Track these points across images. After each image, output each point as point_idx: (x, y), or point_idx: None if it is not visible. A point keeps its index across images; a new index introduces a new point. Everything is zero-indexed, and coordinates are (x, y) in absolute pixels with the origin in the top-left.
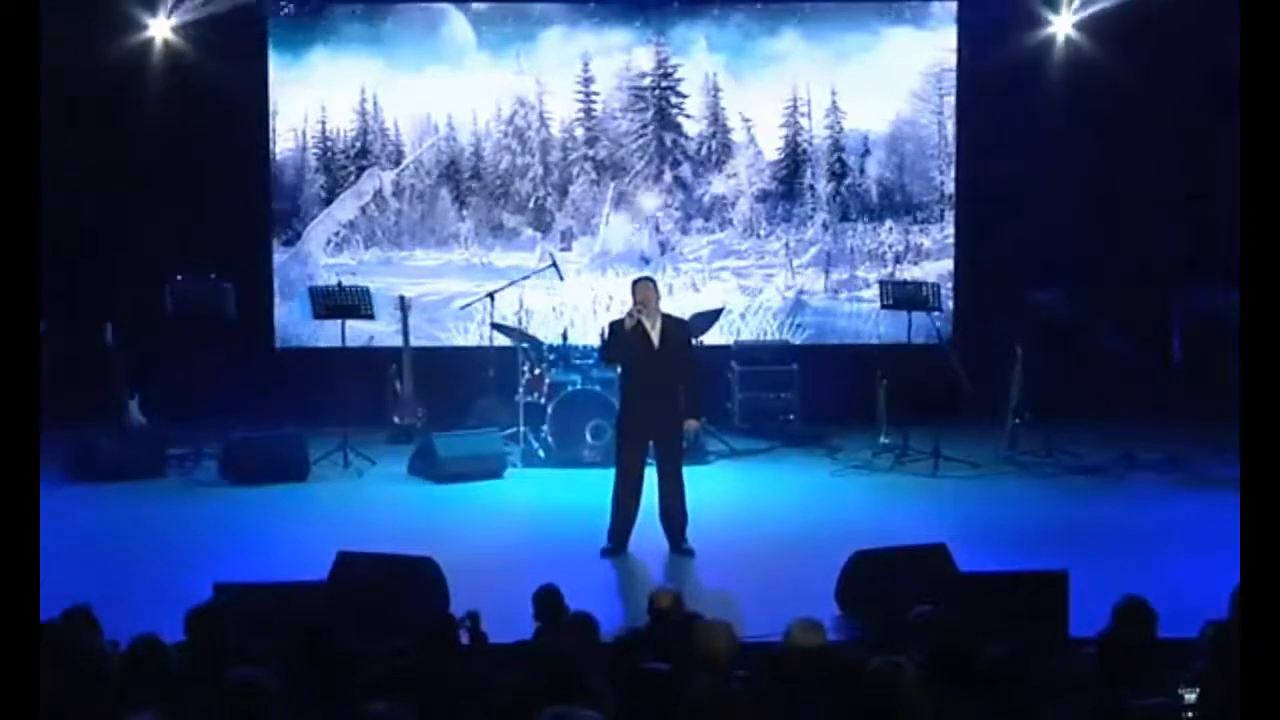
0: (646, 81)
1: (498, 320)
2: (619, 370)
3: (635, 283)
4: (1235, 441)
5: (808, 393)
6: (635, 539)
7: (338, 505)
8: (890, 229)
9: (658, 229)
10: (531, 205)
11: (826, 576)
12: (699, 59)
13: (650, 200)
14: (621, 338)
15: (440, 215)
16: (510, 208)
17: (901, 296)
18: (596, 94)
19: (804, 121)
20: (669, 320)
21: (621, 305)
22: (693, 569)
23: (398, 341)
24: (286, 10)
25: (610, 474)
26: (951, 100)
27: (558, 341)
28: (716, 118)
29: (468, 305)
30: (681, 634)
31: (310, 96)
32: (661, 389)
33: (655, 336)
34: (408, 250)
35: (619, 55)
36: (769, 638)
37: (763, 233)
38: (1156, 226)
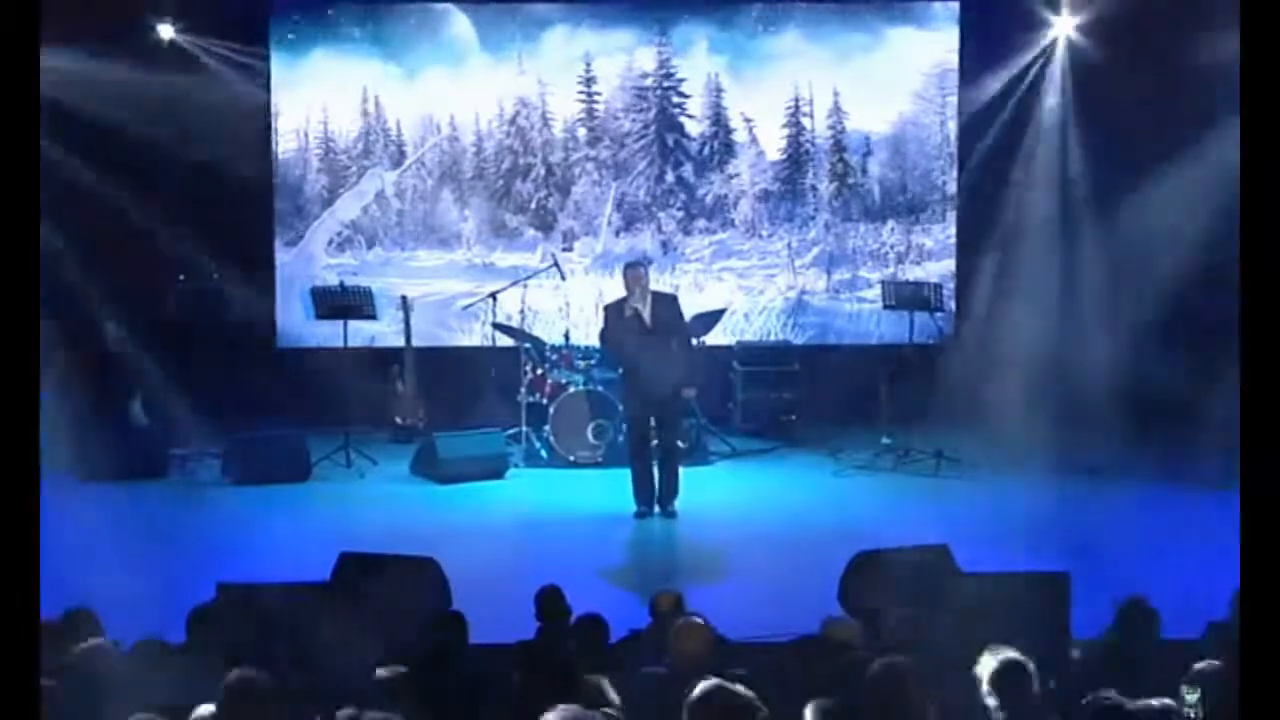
0: (649, 82)
1: (500, 320)
2: (618, 349)
3: (626, 268)
4: (1235, 442)
5: (810, 393)
6: (634, 542)
7: (340, 505)
8: (892, 229)
9: (660, 229)
10: (533, 206)
11: (828, 576)
12: (701, 59)
13: (652, 200)
14: (617, 322)
15: (442, 215)
16: (512, 208)
17: (903, 297)
18: (599, 94)
19: (806, 122)
20: (657, 297)
21: None
22: (694, 570)
23: (400, 342)
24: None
25: (611, 474)
26: (954, 100)
27: (560, 342)
28: (718, 118)
29: (470, 305)
30: None
31: (312, 97)
32: (657, 364)
33: (647, 316)
34: (410, 250)
35: (621, 55)
36: (770, 638)
37: (765, 233)
38: (1156, 226)
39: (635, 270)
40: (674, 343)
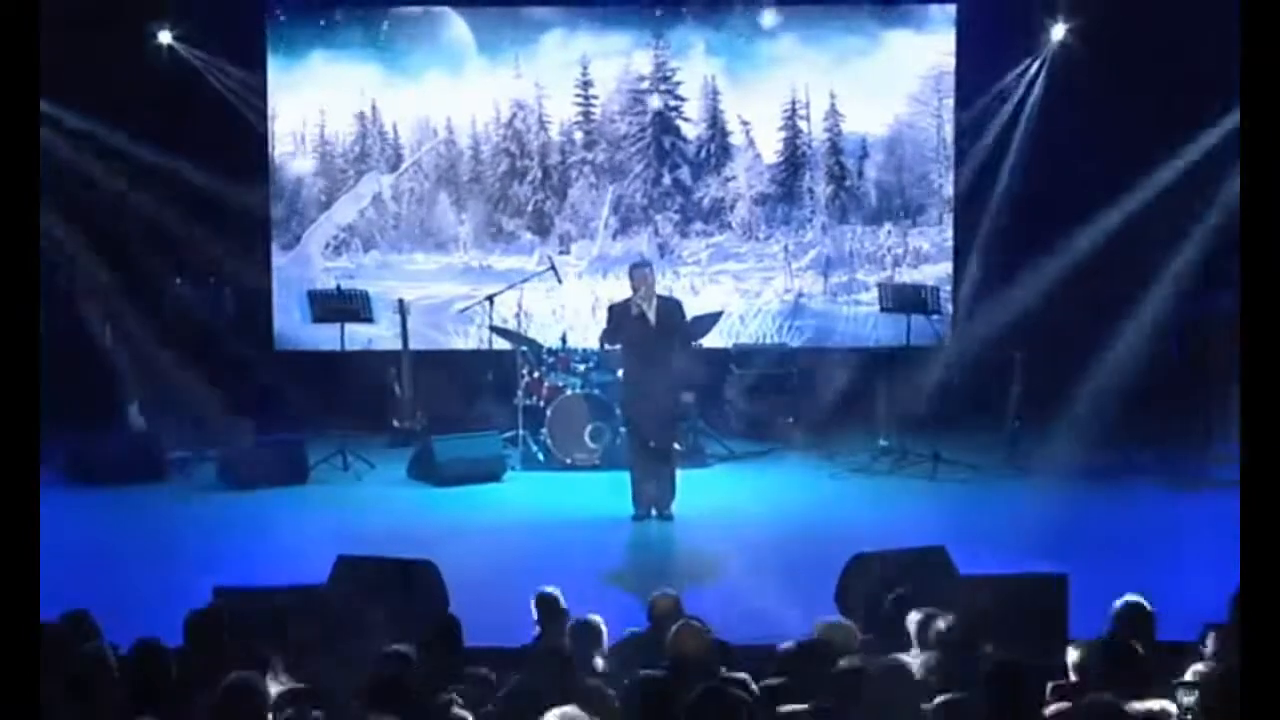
0: (645, 85)
1: (497, 323)
2: (620, 349)
3: (633, 269)
4: (1235, 442)
5: (807, 396)
6: (632, 544)
7: (337, 508)
8: (889, 232)
9: (656, 232)
10: (530, 209)
11: (826, 578)
12: (698, 62)
13: (649, 203)
14: (622, 321)
15: (439, 218)
16: (509, 211)
17: (900, 299)
18: (595, 97)
19: (803, 124)
20: (663, 300)
21: None
22: (692, 573)
23: (397, 345)
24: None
25: (608, 477)
26: (950, 103)
27: (556, 345)
28: (715, 121)
29: (467, 308)
30: None
31: (309, 100)
32: (658, 365)
33: (652, 317)
34: (407, 254)
35: (618, 58)
36: (769, 640)
37: (762, 235)
38: (1155, 227)
39: (641, 271)
40: (676, 345)
